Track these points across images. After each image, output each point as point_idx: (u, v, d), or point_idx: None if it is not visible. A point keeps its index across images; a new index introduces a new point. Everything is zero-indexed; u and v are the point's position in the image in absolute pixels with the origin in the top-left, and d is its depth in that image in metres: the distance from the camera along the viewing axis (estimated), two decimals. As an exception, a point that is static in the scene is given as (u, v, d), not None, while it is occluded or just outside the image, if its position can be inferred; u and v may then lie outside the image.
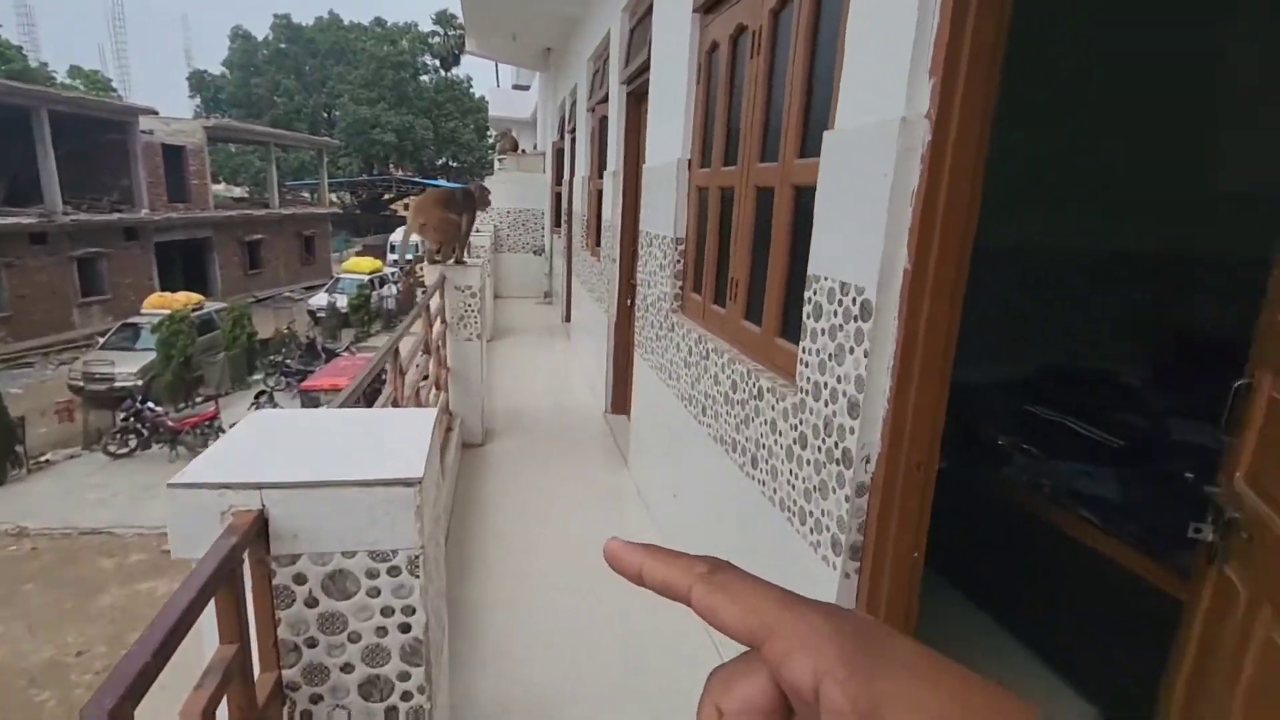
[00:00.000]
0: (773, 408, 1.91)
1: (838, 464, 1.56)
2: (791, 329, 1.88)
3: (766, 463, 1.96)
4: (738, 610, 0.25)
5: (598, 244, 5.21)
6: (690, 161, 2.78)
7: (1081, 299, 3.47)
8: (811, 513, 1.70)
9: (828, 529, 1.62)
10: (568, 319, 7.65)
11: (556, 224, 9.01)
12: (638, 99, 3.93)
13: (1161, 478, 2.21)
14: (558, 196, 8.90)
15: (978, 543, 2.52)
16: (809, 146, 1.77)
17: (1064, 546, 2.14)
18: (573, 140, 7.03)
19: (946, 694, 0.22)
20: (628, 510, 3.44)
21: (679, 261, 2.89)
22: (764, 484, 1.98)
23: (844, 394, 1.53)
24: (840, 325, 1.54)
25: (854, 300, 1.48)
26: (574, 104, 6.78)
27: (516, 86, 17.05)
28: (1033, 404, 2.63)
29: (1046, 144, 3.13)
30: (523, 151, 11.59)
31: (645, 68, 3.48)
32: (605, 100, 4.80)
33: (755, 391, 2.03)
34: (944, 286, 1.35)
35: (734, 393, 2.20)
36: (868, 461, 1.49)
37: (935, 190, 1.30)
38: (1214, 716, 1.27)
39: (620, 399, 4.49)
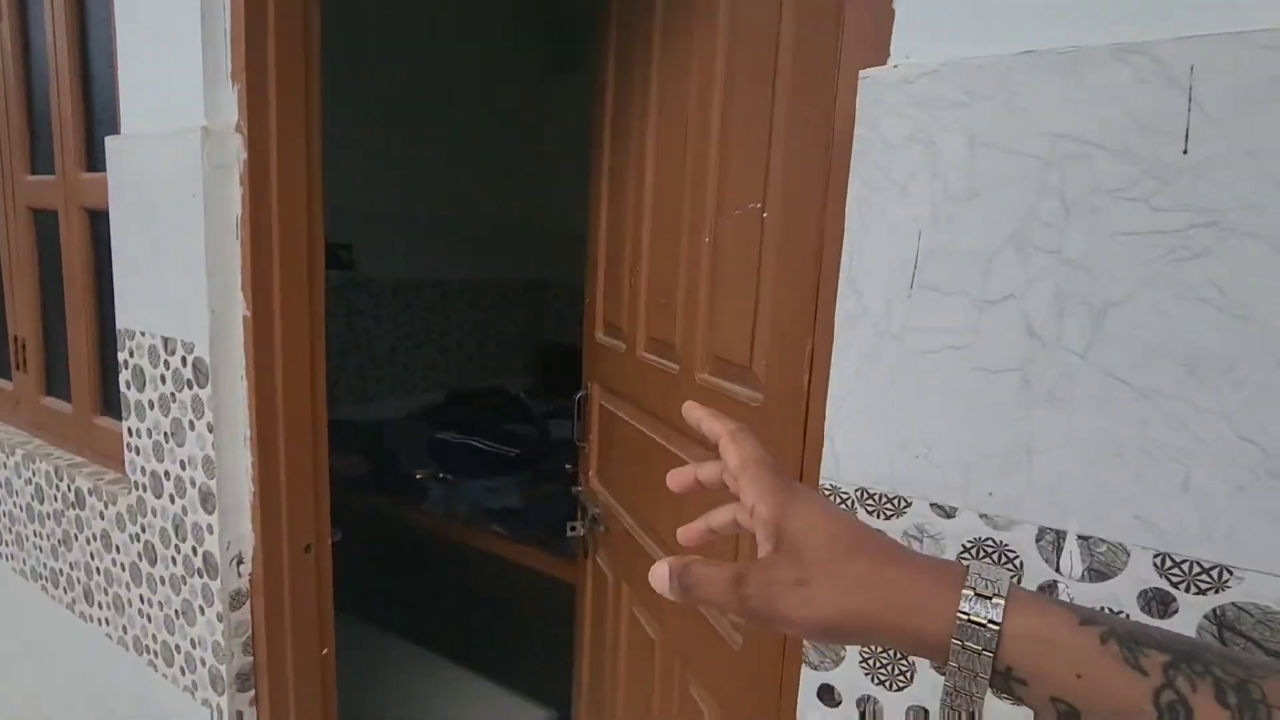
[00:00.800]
0: (102, 515, 1.36)
1: (201, 575, 1.18)
2: (115, 403, 1.37)
3: (107, 593, 1.39)
4: (735, 457, 0.37)
5: None
6: (-81, 166, 1.83)
7: (474, 324, 3.81)
8: (179, 646, 1.26)
9: (204, 662, 1.21)
10: None
11: None
12: None
13: (550, 475, 2.54)
14: None
15: (418, 587, 2.44)
16: (98, 156, 1.30)
17: (487, 564, 2.23)
18: None
19: (838, 519, 0.34)
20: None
21: (-77, 317, 1.88)
22: (108, 622, 1.41)
23: (193, 483, 1.16)
24: (173, 394, 1.16)
25: (184, 361, 1.12)
26: None
27: None
28: (442, 430, 2.70)
29: (426, 182, 3.29)
30: None
31: None
32: None
33: (73, 496, 1.42)
34: (298, 331, 1.13)
35: (41, 503, 1.51)
36: (240, 562, 1.16)
37: (265, 218, 1.06)
38: (609, 685, 1.43)
39: None
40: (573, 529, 1.56)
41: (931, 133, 0.53)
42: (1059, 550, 0.51)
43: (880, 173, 0.56)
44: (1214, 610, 0.46)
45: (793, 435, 0.79)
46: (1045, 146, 0.49)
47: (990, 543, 0.53)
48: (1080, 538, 0.50)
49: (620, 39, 1.28)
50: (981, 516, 0.54)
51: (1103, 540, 0.49)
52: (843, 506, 0.60)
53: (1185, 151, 0.45)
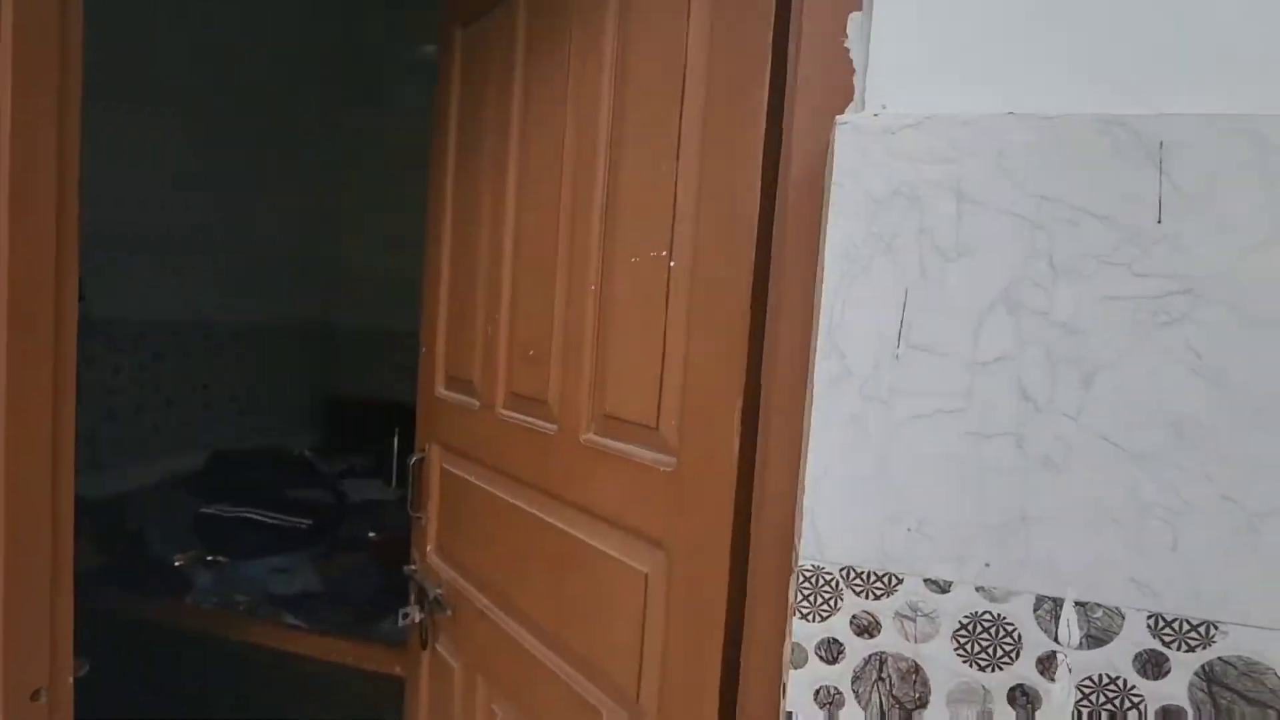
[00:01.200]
0: None
1: None
2: None
3: None
4: None
5: None
6: None
7: (245, 372, 3.24)
8: None
9: None
10: None
11: None
12: None
13: (350, 545, 2.20)
14: None
15: (184, 704, 1.93)
16: None
17: (279, 664, 1.84)
18: None
19: None
20: None
21: None
22: None
23: None
24: None
25: None
26: None
27: None
28: (209, 504, 2.22)
29: (185, 204, 2.76)
30: None
31: None
32: None
33: None
34: (33, 394, 0.82)
35: None
36: (-86, 736, 0.79)
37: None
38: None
39: None
40: (405, 615, 1.33)
41: (916, 187, 0.51)
42: (1056, 619, 0.49)
43: (863, 226, 0.52)
44: (1203, 666, 0.47)
45: (720, 503, 0.72)
46: (1033, 208, 0.49)
47: (988, 617, 0.51)
48: (1077, 604, 0.49)
49: (467, 41, 1.16)
50: (978, 590, 0.51)
51: (1099, 605, 0.49)
52: (827, 588, 0.54)
53: (1159, 221, 0.47)
